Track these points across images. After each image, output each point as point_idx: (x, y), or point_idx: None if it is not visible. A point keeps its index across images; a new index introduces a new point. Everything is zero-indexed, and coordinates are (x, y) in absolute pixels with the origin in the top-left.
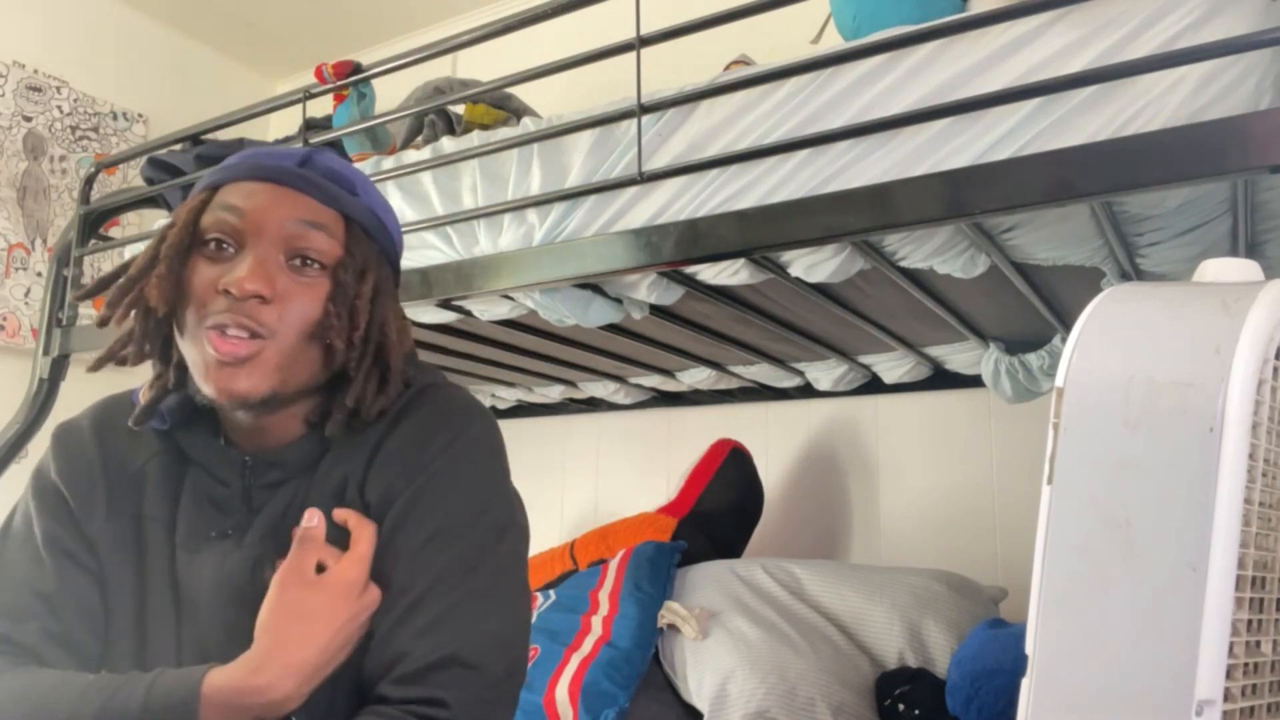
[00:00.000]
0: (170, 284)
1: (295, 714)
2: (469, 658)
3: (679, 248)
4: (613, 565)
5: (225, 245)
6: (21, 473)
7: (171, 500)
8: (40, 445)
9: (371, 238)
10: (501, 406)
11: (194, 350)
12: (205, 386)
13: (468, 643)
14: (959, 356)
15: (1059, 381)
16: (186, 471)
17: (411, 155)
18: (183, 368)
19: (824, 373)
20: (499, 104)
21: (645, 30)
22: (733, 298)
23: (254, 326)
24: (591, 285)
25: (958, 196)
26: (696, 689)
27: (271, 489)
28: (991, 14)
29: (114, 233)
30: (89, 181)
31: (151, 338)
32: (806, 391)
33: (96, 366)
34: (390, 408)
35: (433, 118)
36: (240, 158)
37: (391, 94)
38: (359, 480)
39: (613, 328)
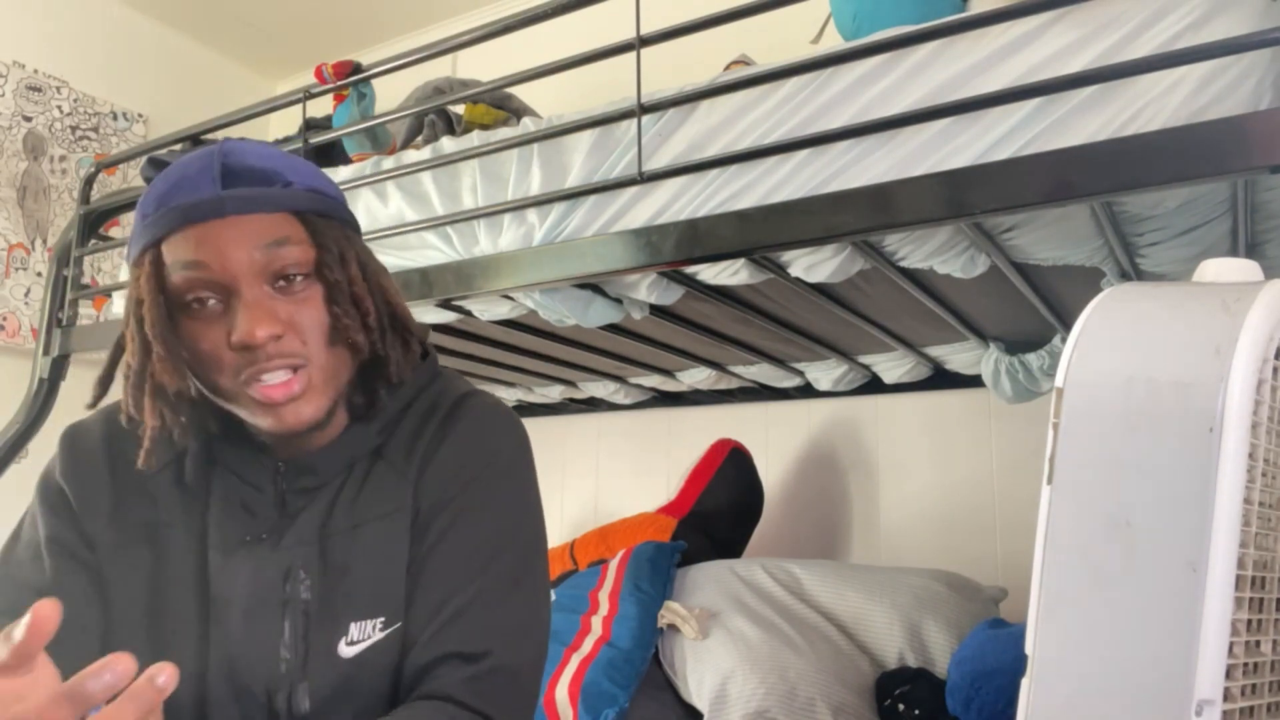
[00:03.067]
0: (175, 360)
1: None
2: (513, 664)
3: (679, 248)
4: (612, 565)
5: (206, 300)
6: (21, 472)
7: (198, 504)
8: (40, 445)
9: (327, 216)
10: None
11: (241, 407)
12: (266, 423)
13: (509, 649)
14: (959, 356)
15: (1059, 381)
16: (212, 474)
17: (411, 155)
18: (200, 405)
19: (824, 373)
20: (499, 104)
21: (645, 30)
22: (733, 298)
23: (286, 361)
24: (591, 285)
25: (958, 196)
26: (696, 689)
27: (307, 494)
28: (991, 14)
29: (114, 233)
30: (89, 181)
31: (183, 410)
32: (806, 391)
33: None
34: (432, 416)
35: (433, 118)
36: (156, 206)
37: (391, 94)
38: (412, 487)
39: (613, 328)
